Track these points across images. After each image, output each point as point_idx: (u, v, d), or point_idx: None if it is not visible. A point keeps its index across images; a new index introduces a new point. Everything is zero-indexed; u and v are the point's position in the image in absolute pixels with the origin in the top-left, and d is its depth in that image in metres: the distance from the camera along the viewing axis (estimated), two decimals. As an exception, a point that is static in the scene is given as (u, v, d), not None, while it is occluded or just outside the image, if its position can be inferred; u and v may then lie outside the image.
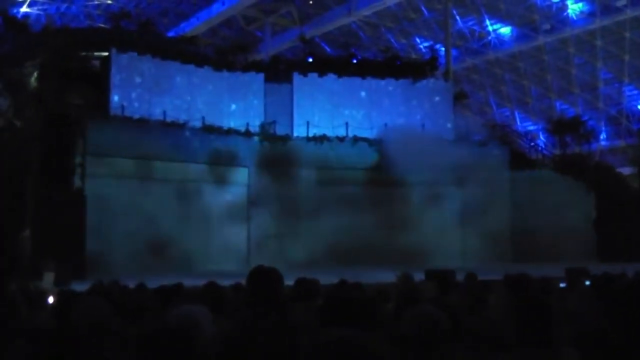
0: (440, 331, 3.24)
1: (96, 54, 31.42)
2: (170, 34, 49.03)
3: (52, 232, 23.48)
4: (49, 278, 19.11)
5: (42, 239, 23.47)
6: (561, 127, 40.02)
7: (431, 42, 53.97)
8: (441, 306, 4.18)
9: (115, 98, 30.66)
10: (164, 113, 30.92)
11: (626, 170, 41.27)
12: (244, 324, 4.04)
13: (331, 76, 36.46)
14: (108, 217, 27.52)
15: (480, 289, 6.50)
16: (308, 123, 34.25)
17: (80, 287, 11.90)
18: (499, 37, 57.33)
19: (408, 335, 3.23)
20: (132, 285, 10.06)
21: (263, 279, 4.54)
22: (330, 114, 35.34)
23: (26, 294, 6.58)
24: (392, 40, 59.96)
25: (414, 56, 54.97)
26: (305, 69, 36.73)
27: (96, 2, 56.92)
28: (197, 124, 31.90)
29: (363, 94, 36.67)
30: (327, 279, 10.24)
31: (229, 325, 4.48)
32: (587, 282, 9.14)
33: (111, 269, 23.36)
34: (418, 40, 60.60)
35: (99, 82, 30.37)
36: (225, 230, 31.99)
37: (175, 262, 28.55)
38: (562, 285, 9.52)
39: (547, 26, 53.53)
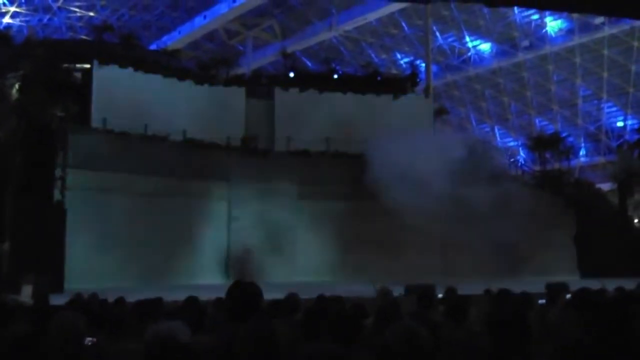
0: (422, 346, 3.25)
1: (78, 66, 31.28)
2: (153, 47, 48.95)
3: (31, 244, 23.25)
4: (27, 291, 18.94)
5: (21, 252, 23.25)
6: (541, 144, 40.31)
7: (412, 58, 54.33)
8: (422, 321, 4.18)
9: (97, 110, 30.51)
10: (145, 126, 30.74)
11: (606, 187, 41.55)
12: (224, 338, 4.02)
13: (312, 91, 36.52)
14: (87, 230, 27.28)
15: (460, 304, 6.51)
16: (289, 138, 34.17)
17: (58, 300, 11.79)
18: (478, 53, 57.78)
19: (390, 350, 3.22)
20: (111, 299, 9.99)
21: (242, 293, 4.51)
22: (311, 129, 35.28)
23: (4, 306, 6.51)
24: (373, 56, 60.28)
25: (394, 71, 55.20)
26: (286, 84, 36.81)
27: (78, 14, 56.79)
28: (178, 137, 31.73)
29: (344, 109, 36.71)
30: (307, 293, 10.20)
31: (209, 340, 4.45)
32: (567, 297, 9.16)
33: (90, 282, 23.09)
34: (399, 55, 60.95)
35: (81, 94, 30.19)
36: (206, 244, 31.77)
37: (152, 276, 28.36)
38: (541, 301, 9.52)
39: (526, 43, 54.08)
